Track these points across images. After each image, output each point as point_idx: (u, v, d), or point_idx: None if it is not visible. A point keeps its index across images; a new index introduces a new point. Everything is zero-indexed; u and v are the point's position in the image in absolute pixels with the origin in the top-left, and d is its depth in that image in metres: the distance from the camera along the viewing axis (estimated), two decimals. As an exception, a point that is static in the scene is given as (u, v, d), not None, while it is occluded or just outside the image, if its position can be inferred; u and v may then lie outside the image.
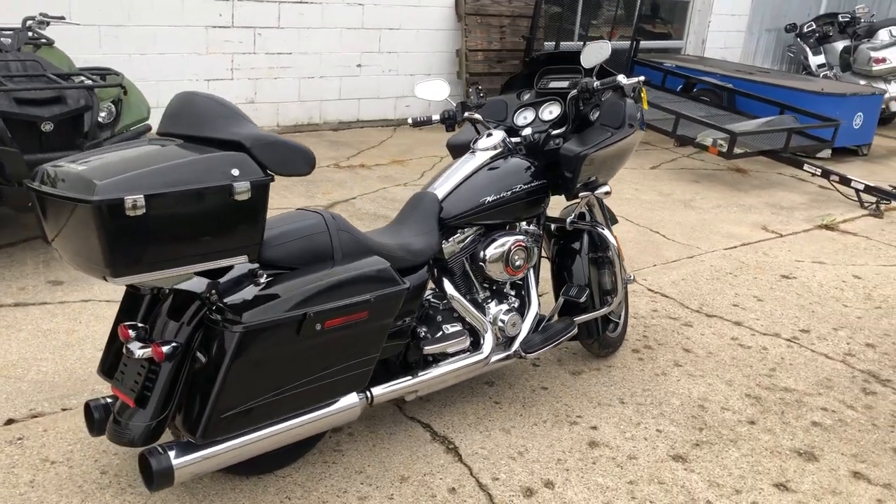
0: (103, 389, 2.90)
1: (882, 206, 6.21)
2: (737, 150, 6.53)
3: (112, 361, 2.36)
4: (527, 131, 2.99)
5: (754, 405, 3.14)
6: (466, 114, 3.03)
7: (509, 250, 2.80)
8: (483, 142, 2.92)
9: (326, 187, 5.71)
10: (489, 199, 2.76)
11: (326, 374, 2.22)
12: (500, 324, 2.85)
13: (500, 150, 2.90)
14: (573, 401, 3.06)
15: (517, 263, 2.84)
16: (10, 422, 2.67)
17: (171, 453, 2.06)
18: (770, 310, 4.13)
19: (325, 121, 7.53)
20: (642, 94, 2.99)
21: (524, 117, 3.10)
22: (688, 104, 7.90)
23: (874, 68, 9.60)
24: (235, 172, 1.95)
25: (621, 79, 2.81)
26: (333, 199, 5.45)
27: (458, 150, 3.13)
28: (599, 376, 3.27)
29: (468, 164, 2.86)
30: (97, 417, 2.30)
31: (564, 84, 3.10)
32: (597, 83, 2.82)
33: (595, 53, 2.82)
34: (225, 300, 2.10)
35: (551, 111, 3.05)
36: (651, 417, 2.99)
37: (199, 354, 2.12)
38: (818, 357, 3.62)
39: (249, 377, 2.06)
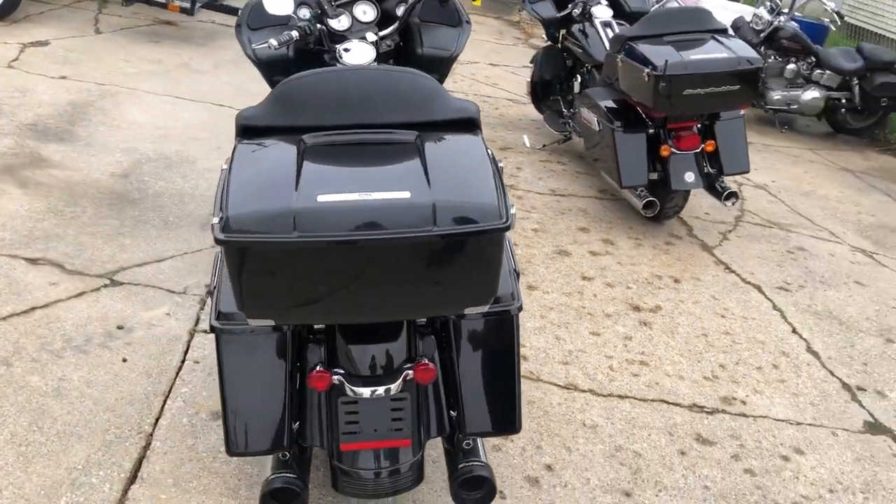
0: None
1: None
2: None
3: (263, 430, 1.89)
4: (371, 37, 2.84)
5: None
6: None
7: None
8: (352, 56, 2.74)
9: None
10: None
11: None
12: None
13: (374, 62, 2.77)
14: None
15: None
16: None
17: (480, 460, 1.94)
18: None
19: None
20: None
21: (339, 21, 2.86)
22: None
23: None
24: (490, 153, 1.78)
25: (477, -19, 2.89)
26: None
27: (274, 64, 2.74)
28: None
29: None
30: (297, 489, 1.87)
31: None
32: None
33: None
34: None
35: (365, 11, 2.91)
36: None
37: (452, 355, 1.95)
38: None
39: None
